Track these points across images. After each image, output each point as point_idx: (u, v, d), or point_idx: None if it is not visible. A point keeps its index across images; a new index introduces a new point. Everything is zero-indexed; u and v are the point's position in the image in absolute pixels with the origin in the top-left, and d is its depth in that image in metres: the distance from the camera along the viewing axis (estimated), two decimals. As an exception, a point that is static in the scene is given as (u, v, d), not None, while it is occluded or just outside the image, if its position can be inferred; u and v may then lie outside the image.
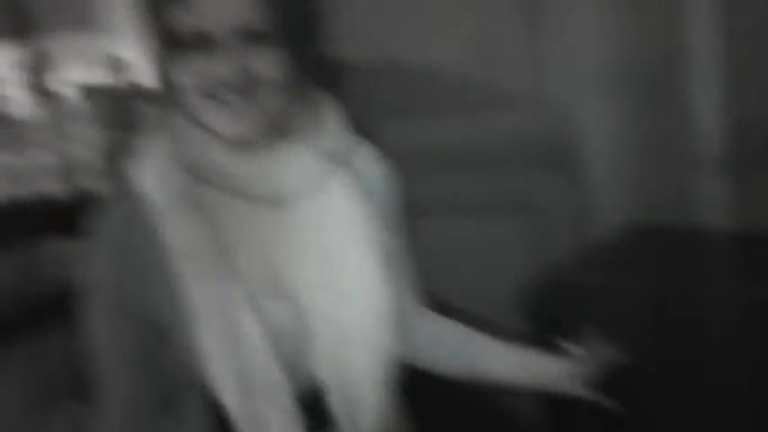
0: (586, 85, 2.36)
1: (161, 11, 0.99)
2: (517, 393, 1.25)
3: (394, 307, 1.10)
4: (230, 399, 1.02)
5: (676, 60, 2.20)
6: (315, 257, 1.06)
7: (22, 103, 2.95)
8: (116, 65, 2.76)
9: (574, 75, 2.35)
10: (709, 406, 1.66)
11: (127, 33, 2.72)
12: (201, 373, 1.02)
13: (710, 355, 1.64)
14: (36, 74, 2.89)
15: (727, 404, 1.65)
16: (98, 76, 2.74)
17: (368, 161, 1.16)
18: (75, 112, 2.69)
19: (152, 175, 1.05)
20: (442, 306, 1.28)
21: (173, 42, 0.99)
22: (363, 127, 1.18)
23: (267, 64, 0.98)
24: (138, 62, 2.63)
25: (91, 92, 2.71)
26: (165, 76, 1.02)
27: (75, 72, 2.87)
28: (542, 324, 1.69)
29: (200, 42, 0.97)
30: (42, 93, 2.85)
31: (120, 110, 2.62)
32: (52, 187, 2.67)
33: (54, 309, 1.53)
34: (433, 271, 1.29)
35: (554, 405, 1.59)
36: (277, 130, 1.04)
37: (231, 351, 1.01)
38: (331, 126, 1.11)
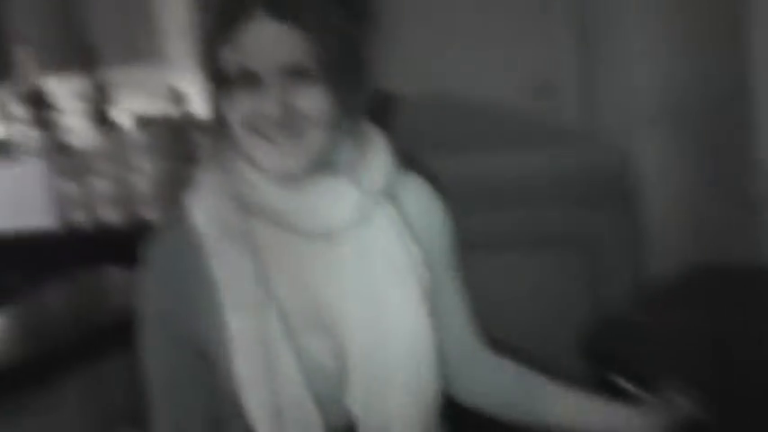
0: (642, 119, 2.33)
1: (211, 49, 1.02)
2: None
3: (435, 347, 1.09)
4: (263, 429, 1.03)
5: (736, 95, 2.17)
6: (356, 292, 1.07)
7: (83, 133, 3.03)
8: (175, 97, 2.82)
9: (629, 109, 2.33)
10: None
11: (185, 66, 2.78)
12: (240, 402, 1.04)
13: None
14: (97, 105, 2.96)
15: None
16: (157, 108, 2.80)
17: (416, 196, 1.16)
18: (134, 143, 2.75)
19: (203, 205, 1.07)
20: (495, 343, 1.27)
21: (221, 79, 1.01)
22: (414, 161, 1.18)
23: (312, 101, 1.00)
24: (195, 94, 2.69)
25: (149, 123, 2.77)
26: (216, 111, 1.05)
27: (135, 103, 2.93)
28: (598, 362, 1.65)
29: (247, 80, 0.99)
30: (103, 123, 2.92)
31: (178, 141, 2.67)
32: (111, 216, 2.72)
33: (114, 336, 1.56)
34: (484, 307, 1.28)
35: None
36: (323, 166, 1.05)
37: (266, 382, 1.03)
38: (379, 161, 1.11)
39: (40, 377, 1.56)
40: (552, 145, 2.40)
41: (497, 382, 1.21)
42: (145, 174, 2.71)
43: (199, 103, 2.63)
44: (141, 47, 2.94)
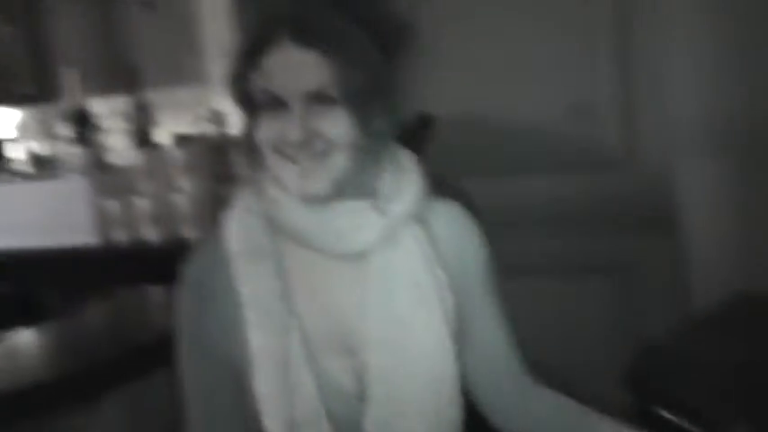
0: (683, 145, 2.31)
1: (240, 74, 1.05)
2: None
3: (458, 372, 1.08)
4: None
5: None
6: (379, 314, 1.07)
7: (125, 152, 3.07)
8: (215, 117, 2.85)
9: (670, 134, 2.31)
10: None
11: (224, 87, 2.81)
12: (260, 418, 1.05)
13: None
14: (139, 125, 3.00)
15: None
16: (198, 129, 2.83)
17: (447, 220, 1.15)
18: (175, 162, 2.78)
19: (236, 224, 1.10)
20: (536, 367, 1.25)
21: (250, 103, 1.04)
22: (448, 184, 1.18)
23: (334, 126, 1.01)
24: (235, 115, 2.71)
25: (190, 143, 2.80)
26: (247, 133, 1.07)
27: (177, 123, 2.97)
28: (640, 393, 1.62)
29: (273, 104, 1.02)
30: (145, 143, 2.96)
31: (218, 161, 2.69)
32: (152, 234, 2.75)
33: (154, 354, 1.57)
34: (522, 334, 1.26)
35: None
36: (350, 188, 1.06)
37: (284, 400, 1.04)
38: (409, 184, 1.11)
39: (79, 395, 1.58)
40: (592, 170, 2.38)
41: (537, 411, 1.19)
42: (185, 193, 2.73)
43: (239, 124, 2.65)
44: (183, 68, 2.98)
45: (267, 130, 1.03)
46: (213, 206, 2.54)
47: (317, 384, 1.05)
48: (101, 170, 2.96)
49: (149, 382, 1.60)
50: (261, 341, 1.05)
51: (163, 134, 3.03)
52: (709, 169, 2.25)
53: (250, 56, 1.03)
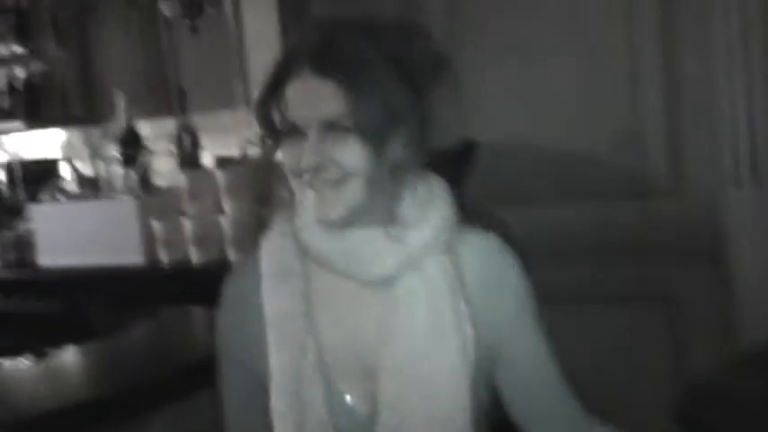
0: (729, 173, 2.27)
1: (265, 102, 1.08)
2: None
3: (470, 407, 1.07)
4: None
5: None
6: (395, 340, 1.08)
7: (171, 173, 3.11)
8: (259, 141, 2.87)
9: (716, 162, 2.28)
10: None
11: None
12: None
13: None
14: (185, 147, 3.04)
15: None
16: (243, 152, 2.86)
17: (477, 250, 1.13)
18: (219, 184, 2.81)
19: (269, 246, 1.14)
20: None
21: (274, 131, 1.08)
22: (484, 213, 1.17)
23: (349, 155, 1.03)
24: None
25: (235, 165, 2.83)
26: (270, 158, 1.10)
27: (222, 146, 3.01)
28: (688, 428, 1.58)
29: (292, 132, 1.05)
30: (191, 165, 3.00)
31: (261, 184, 2.72)
32: (196, 255, 2.78)
33: (197, 375, 1.59)
34: (566, 363, 1.24)
35: None
36: (369, 216, 1.07)
37: (294, 418, 1.07)
38: (434, 213, 1.11)
39: (123, 414, 1.59)
40: (637, 199, 2.35)
41: None
42: (229, 215, 2.76)
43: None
44: (229, 92, 3.02)
45: (288, 157, 1.06)
46: (255, 228, 2.56)
47: (328, 404, 1.08)
48: (147, 191, 3.01)
49: (192, 402, 1.61)
50: (278, 358, 1.09)
51: (208, 157, 3.07)
52: (756, 199, 2.21)
53: (275, 84, 1.07)
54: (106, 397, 1.60)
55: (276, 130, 1.07)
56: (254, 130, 2.97)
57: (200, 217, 2.81)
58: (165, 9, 3.04)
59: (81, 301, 2.93)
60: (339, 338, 1.10)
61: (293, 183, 1.08)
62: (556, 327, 1.18)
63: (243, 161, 2.86)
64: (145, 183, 3.04)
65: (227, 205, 2.78)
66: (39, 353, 1.91)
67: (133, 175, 3.02)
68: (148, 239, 2.86)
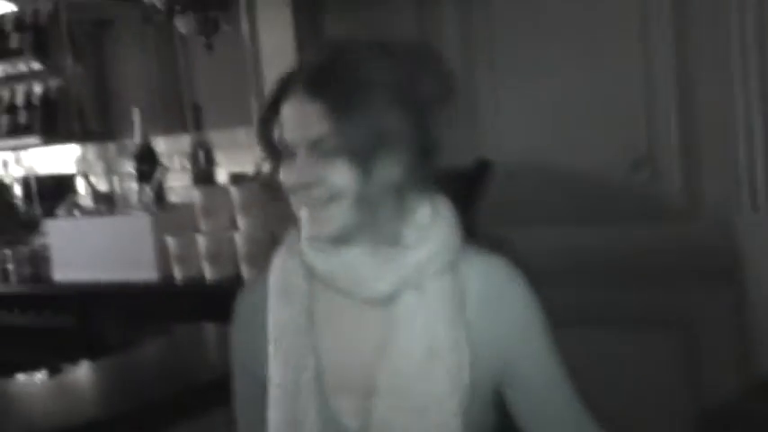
0: (745, 196, 2.26)
1: (264, 122, 1.10)
2: None
3: (462, 430, 1.07)
4: None
5: None
6: (393, 361, 1.08)
7: (185, 190, 3.13)
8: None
9: (732, 185, 2.27)
10: None
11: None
12: None
13: None
14: (200, 164, 3.06)
15: None
16: (256, 168, 2.87)
17: (481, 272, 1.13)
18: (233, 201, 2.82)
19: (278, 263, 1.15)
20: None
21: (273, 150, 1.09)
22: (493, 236, 1.17)
23: (336, 175, 1.04)
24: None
25: (249, 182, 2.84)
26: (271, 177, 1.12)
27: (236, 163, 3.02)
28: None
29: (286, 151, 1.07)
30: (205, 181, 3.01)
31: (274, 201, 2.72)
32: (210, 272, 2.78)
33: (211, 391, 1.59)
34: (580, 385, 1.23)
35: None
36: (366, 235, 1.08)
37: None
38: (436, 234, 1.11)
39: (137, 431, 1.59)
40: (653, 221, 2.34)
41: None
42: (243, 231, 2.77)
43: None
44: (244, 109, 3.03)
45: (284, 175, 1.08)
46: (269, 245, 2.56)
47: (321, 420, 1.09)
48: (162, 207, 3.02)
49: (207, 420, 1.61)
50: (276, 372, 1.11)
51: (222, 173, 3.08)
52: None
53: (273, 103, 1.09)
54: (119, 414, 1.60)
55: (276, 149, 1.09)
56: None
57: (214, 233, 2.82)
58: (181, 26, 3.06)
59: (95, 317, 2.94)
60: (339, 355, 1.11)
61: (292, 201, 1.09)
62: (569, 349, 1.17)
63: (257, 178, 2.87)
64: (159, 199, 3.05)
65: (241, 222, 2.79)
66: (53, 368, 1.92)
67: (148, 191, 3.04)
68: (162, 255, 2.87)
